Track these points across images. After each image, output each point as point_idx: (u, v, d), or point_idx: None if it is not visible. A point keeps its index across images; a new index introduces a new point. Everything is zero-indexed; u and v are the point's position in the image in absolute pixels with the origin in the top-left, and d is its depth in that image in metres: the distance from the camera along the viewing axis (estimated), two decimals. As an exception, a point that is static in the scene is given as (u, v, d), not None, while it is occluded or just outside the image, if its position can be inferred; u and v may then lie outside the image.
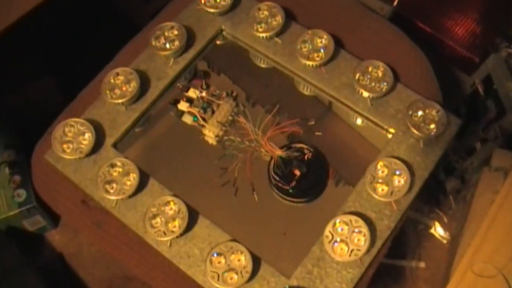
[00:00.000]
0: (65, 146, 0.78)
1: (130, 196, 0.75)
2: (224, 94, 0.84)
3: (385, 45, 0.86)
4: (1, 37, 0.91)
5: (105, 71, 0.85)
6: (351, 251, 0.70)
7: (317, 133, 0.82)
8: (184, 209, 0.73)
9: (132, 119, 0.81)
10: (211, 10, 0.88)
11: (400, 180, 0.74)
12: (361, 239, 0.71)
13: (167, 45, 0.84)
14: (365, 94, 0.80)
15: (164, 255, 0.73)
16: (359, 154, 0.84)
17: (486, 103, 1.02)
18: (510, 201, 0.87)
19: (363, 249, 0.70)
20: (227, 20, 0.89)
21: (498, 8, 1.02)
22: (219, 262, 0.70)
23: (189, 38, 0.86)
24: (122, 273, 1.09)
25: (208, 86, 0.85)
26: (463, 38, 0.99)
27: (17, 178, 1.06)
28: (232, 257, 0.70)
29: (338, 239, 0.71)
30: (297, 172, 0.78)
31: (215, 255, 0.71)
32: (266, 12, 0.86)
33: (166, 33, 0.85)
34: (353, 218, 0.72)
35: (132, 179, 0.75)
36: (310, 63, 0.83)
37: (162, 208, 0.73)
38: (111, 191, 0.75)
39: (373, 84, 0.81)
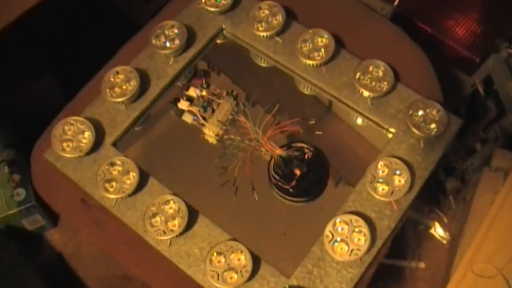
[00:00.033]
0: (64, 144, 0.78)
1: (129, 195, 0.75)
2: (225, 93, 0.84)
3: (385, 45, 0.86)
4: (1, 35, 0.91)
5: (105, 69, 0.85)
6: (351, 250, 0.70)
7: (317, 133, 0.82)
8: (184, 208, 0.73)
9: (132, 117, 0.81)
10: (212, 9, 0.87)
11: (401, 180, 0.74)
12: (361, 239, 0.71)
13: (168, 44, 0.84)
14: (366, 93, 0.80)
15: (164, 254, 0.73)
16: (360, 154, 0.84)
17: (486, 103, 1.02)
18: (510, 201, 0.87)
19: (363, 248, 0.70)
20: (227, 19, 0.89)
21: (499, 9, 1.02)
22: (218, 262, 0.70)
23: (190, 37, 0.85)
24: (122, 273, 1.09)
25: (208, 85, 0.85)
26: (464, 38, 0.99)
27: (16, 177, 1.06)
28: (232, 256, 0.70)
29: (338, 239, 0.71)
30: (297, 172, 0.78)
31: (215, 254, 0.70)
32: (266, 11, 0.86)
33: (166, 32, 0.85)
34: (353, 217, 0.72)
35: (132, 178, 0.75)
36: (311, 62, 0.83)
37: (162, 207, 0.73)
38: (111, 190, 0.75)
39: (373, 83, 0.81)
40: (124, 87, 0.81)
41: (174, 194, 0.74)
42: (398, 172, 0.74)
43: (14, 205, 1.04)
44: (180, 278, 0.72)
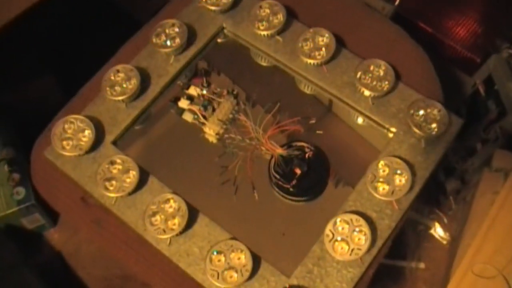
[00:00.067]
0: (64, 143, 0.78)
1: (129, 194, 0.75)
2: (225, 92, 0.84)
3: (386, 44, 0.86)
4: (1, 34, 0.91)
5: (105, 68, 0.85)
6: (352, 250, 0.70)
7: (318, 132, 0.82)
8: (184, 207, 0.73)
9: (132, 116, 0.81)
10: (212, 8, 0.87)
11: (401, 180, 0.74)
12: (361, 238, 0.70)
13: (168, 43, 0.84)
14: (367, 93, 0.80)
15: (164, 253, 0.72)
16: (360, 154, 0.84)
17: (487, 103, 1.01)
18: (510, 202, 0.87)
19: (364, 248, 0.70)
20: (228, 18, 0.88)
21: (499, 9, 1.02)
22: (218, 261, 0.70)
23: (190, 36, 0.85)
24: (121, 273, 1.08)
25: (209, 84, 0.85)
26: (464, 39, 0.99)
27: (16, 176, 1.06)
28: (232, 255, 0.70)
29: (339, 238, 0.71)
30: (298, 171, 0.78)
31: (215, 253, 0.70)
32: (267, 10, 0.86)
33: (167, 31, 0.85)
34: (354, 217, 0.71)
35: (132, 177, 0.75)
36: (312, 61, 0.83)
37: (162, 206, 0.73)
38: (111, 188, 0.75)
39: (374, 83, 0.80)
40: (124, 85, 0.81)
41: (174, 193, 0.74)
42: (398, 171, 0.74)
43: (14, 204, 1.03)
44: (180, 277, 0.72)
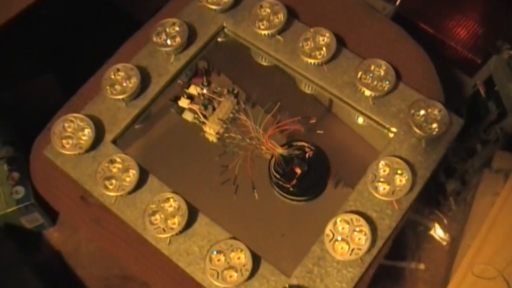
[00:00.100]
0: (64, 141, 0.78)
1: (129, 193, 0.75)
2: (225, 91, 0.84)
3: (387, 44, 0.86)
4: (1, 33, 0.91)
5: (105, 66, 0.85)
6: (352, 250, 0.70)
7: (318, 132, 0.81)
8: (184, 206, 0.72)
9: (132, 115, 0.81)
10: (213, 7, 0.87)
11: (402, 180, 0.74)
12: (362, 238, 0.70)
13: (168, 42, 0.84)
14: (367, 92, 0.80)
15: (163, 253, 0.72)
16: (361, 154, 0.83)
17: (487, 104, 1.02)
18: (510, 203, 0.87)
19: (364, 248, 0.70)
20: (229, 17, 0.88)
21: (500, 10, 1.02)
22: (218, 260, 0.70)
23: (191, 35, 0.85)
24: (120, 273, 1.08)
25: (209, 83, 0.84)
26: (465, 40, 0.99)
27: (15, 175, 1.06)
28: (232, 255, 0.70)
29: (339, 238, 0.70)
30: (298, 171, 0.78)
31: (214, 252, 0.70)
32: (268, 10, 0.86)
33: (167, 30, 0.85)
34: (354, 217, 0.71)
35: (132, 176, 0.75)
36: (312, 61, 0.82)
37: (162, 205, 0.73)
38: (110, 187, 0.74)
39: (375, 83, 0.80)
40: (124, 84, 0.81)
41: (174, 192, 0.74)
42: (399, 171, 0.74)
43: (13, 203, 1.03)
44: (180, 276, 0.72)
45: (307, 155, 0.79)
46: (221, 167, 0.79)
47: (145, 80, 0.83)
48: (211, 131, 0.81)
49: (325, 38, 0.83)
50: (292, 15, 0.87)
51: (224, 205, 0.78)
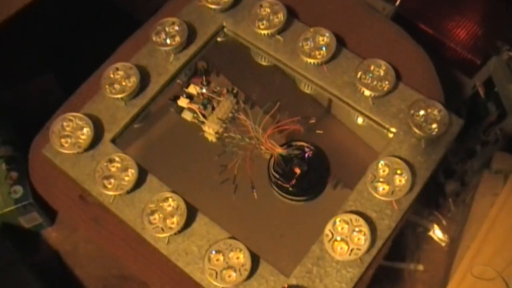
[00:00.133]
0: (63, 140, 0.78)
1: (128, 192, 0.74)
2: (225, 90, 0.84)
3: (387, 44, 0.86)
4: (1, 31, 0.91)
5: (105, 65, 0.85)
6: (351, 250, 0.70)
7: (317, 132, 0.81)
8: (182, 205, 0.72)
9: (131, 114, 0.81)
10: (213, 7, 0.87)
11: (401, 180, 0.74)
12: (361, 239, 0.70)
13: (168, 41, 0.84)
14: (367, 93, 0.80)
15: (162, 252, 0.72)
16: (360, 154, 0.83)
17: (487, 105, 1.01)
18: (510, 204, 0.87)
19: (363, 248, 0.69)
20: (228, 16, 0.88)
21: (500, 11, 1.02)
22: (217, 260, 0.70)
23: (190, 34, 0.85)
24: (119, 272, 1.08)
25: (208, 83, 0.84)
26: (465, 40, 0.99)
27: (14, 174, 1.05)
28: (231, 254, 0.70)
29: (338, 238, 0.70)
30: (298, 170, 0.78)
31: (213, 252, 0.70)
32: (268, 9, 0.86)
33: (167, 29, 0.84)
34: (354, 217, 0.71)
35: (131, 175, 0.75)
36: (312, 61, 0.82)
37: (161, 204, 0.73)
38: (109, 186, 0.74)
39: (375, 83, 0.80)
40: (123, 83, 0.81)
41: (173, 191, 0.74)
42: (398, 171, 0.74)
43: (11, 202, 1.03)
44: (178, 276, 0.72)
45: (306, 155, 0.79)
46: (220, 167, 0.79)
47: (144, 79, 0.82)
48: (210, 131, 0.81)
49: (325, 38, 0.83)
50: (292, 15, 0.87)
51: (223, 205, 0.77)
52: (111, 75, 0.81)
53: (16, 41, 1.13)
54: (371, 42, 0.86)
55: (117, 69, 0.82)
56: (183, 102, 0.83)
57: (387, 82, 0.80)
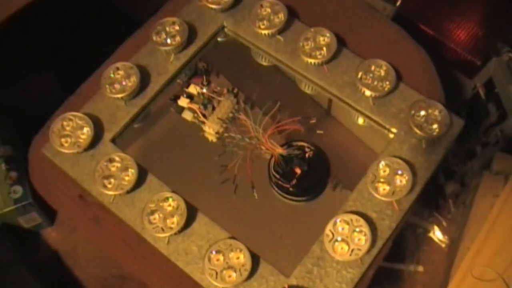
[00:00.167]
0: (63, 140, 0.78)
1: (128, 192, 0.74)
2: (225, 90, 0.84)
3: (388, 45, 0.86)
4: (1, 31, 0.91)
5: (105, 65, 0.85)
6: (352, 250, 0.69)
7: (318, 132, 0.81)
8: (182, 205, 0.72)
9: (131, 114, 0.81)
10: (213, 6, 0.87)
11: (402, 180, 0.74)
12: (362, 239, 0.70)
13: (168, 41, 0.84)
14: (368, 93, 0.80)
15: (162, 252, 0.72)
16: (361, 154, 0.83)
17: (487, 106, 1.01)
18: (510, 205, 0.87)
19: (364, 248, 0.69)
20: (229, 16, 0.88)
21: (500, 12, 1.02)
22: (217, 260, 0.69)
23: (190, 34, 0.85)
24: (118, 273, 1.08)
25: (209, 83, 0.84)
26: (465, 41, 0.99)
27: (13, 174, 1.05)
28: (231, 255, 0.69)
29: (339, 238, 0.70)
30: (298, 171, 0.78)
31: (213, 252, 0.70)
32: (268, 9, 0.86)
33: (167, 29, 0.84)
34: (354, 217, 0.71)
35: (131, 175, 0.75)
36: (312, 61, 0.82)
37: (161, 204, 0.72)
38: (109, 186, 0.74)
39: (375, 83, 0.80)
40: (124, 83, 0.81)
41: (173, 191, 0.74)
42: (399, 172, 0.74)
43: (11, 202, 1.03)
44: (178, 276, 0.71)
45: (307, 155, 0.79)
46: (221, 167, 0.78)
47: (144, 79, 0.82)
48: (210, 131, 0.81)
49: (325, 38, 0.83)
50: (292, 15, 0.87)
51: (223, 205, 0.77)
52: (111, 75, 0.81)
53: (16, 41, 1.13)
54: (372, 42, 0.86)
55: (117, 68, 0.81)
56: (183, 102, 0.83)
57: (387, 82, 0.80)
